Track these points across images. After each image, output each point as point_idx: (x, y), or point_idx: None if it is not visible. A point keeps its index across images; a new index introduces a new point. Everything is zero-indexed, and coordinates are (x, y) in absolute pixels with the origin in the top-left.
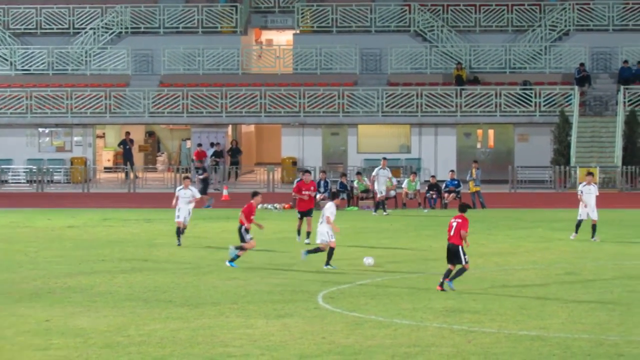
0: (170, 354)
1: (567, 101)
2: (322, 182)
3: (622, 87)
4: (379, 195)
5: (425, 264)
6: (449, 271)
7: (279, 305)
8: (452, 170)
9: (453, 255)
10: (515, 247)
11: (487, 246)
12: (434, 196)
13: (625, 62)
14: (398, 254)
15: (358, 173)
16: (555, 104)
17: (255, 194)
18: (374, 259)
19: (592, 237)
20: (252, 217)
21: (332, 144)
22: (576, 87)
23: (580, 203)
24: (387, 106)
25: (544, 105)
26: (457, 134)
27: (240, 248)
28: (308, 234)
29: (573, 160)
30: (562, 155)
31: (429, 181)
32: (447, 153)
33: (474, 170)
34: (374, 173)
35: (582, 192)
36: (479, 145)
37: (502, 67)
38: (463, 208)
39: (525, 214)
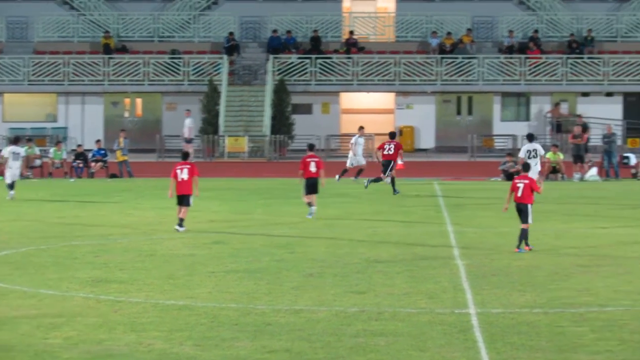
0: None
1: (216, 70)
2: None
3: (271, 56)
4: (360, 164)
5: (70, 232)
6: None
7: None
8: (99, 140)
9: (523, 213)
10: (163, 217)
11: (135, 215)
12: (80, 165)
13: (275, 31)
14: (41, 224)
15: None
16: (204, 72)
17: None
18: None
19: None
20: None
21: None
22: (225, 56)
23: None
24: (33, 74)
25: (193, 74)
26: (105, 102)
27: None
28: None
29: (222, 129)
30: (210, 125)
31: (75, 150)
32: (94, 122)
33: (121, 139)
34: (352, 141)
35: None
36: (126, 114)
37: (151, 35)
38: (526, 167)
39: None
